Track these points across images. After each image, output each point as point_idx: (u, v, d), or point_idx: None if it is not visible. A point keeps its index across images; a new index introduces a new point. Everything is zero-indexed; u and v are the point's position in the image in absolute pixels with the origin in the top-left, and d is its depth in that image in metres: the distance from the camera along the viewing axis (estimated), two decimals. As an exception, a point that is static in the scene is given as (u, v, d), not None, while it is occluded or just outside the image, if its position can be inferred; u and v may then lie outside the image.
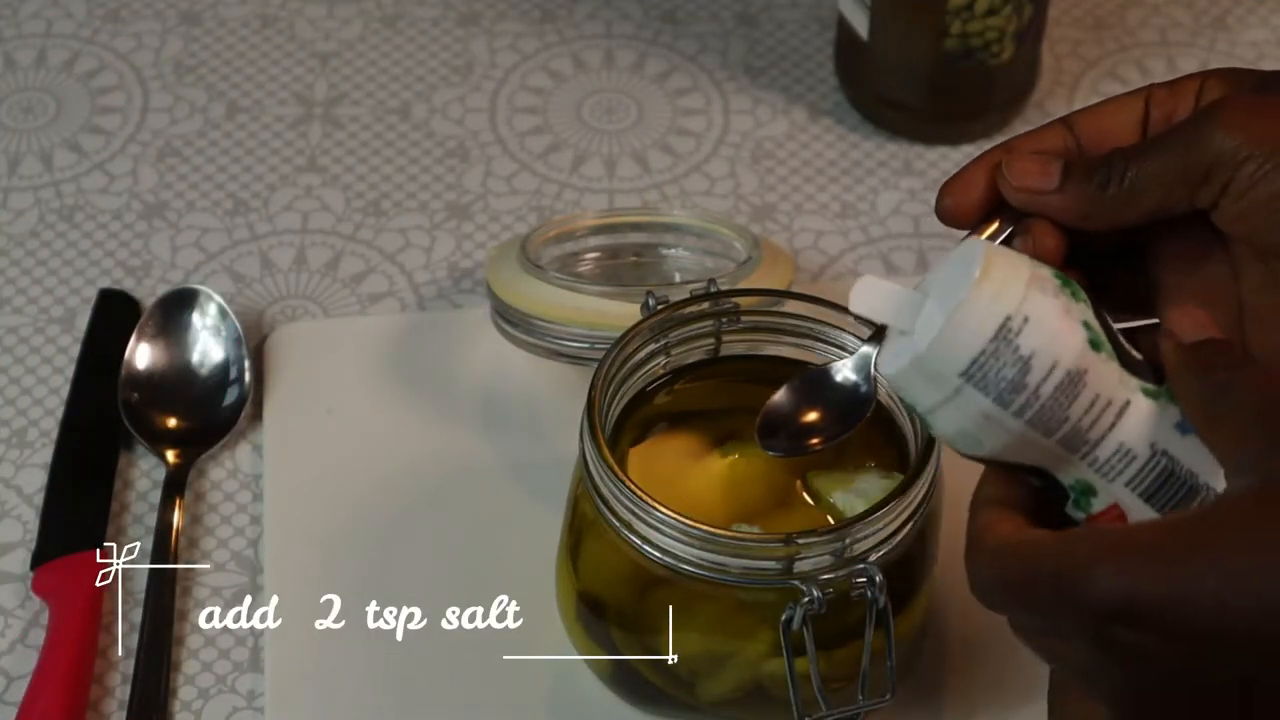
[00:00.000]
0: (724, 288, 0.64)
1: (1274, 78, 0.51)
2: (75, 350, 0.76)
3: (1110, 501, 0.50)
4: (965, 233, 0.54)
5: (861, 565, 0.56)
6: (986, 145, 0.85)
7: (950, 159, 0.84)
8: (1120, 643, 0.44)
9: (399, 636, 0.66)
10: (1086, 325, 0.49)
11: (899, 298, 0.52)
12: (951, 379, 0.49)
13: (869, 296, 0.52)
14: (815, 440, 0.57)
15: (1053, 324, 0.49)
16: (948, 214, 0.54)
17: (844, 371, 0.56)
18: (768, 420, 0.57)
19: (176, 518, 0.69)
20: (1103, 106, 0.53)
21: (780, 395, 0.57)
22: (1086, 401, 0.49)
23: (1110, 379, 0.49)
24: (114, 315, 0.77)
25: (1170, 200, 0.51)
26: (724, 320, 0.63)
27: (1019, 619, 0.49)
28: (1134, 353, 0.51)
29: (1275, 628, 0.42)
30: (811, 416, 0.57)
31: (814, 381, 0.57)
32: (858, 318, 0.59)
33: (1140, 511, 0.50)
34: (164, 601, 0.67)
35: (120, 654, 0.66)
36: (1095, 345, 0.49)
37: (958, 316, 0.49)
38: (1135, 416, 0.49)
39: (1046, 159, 0.52)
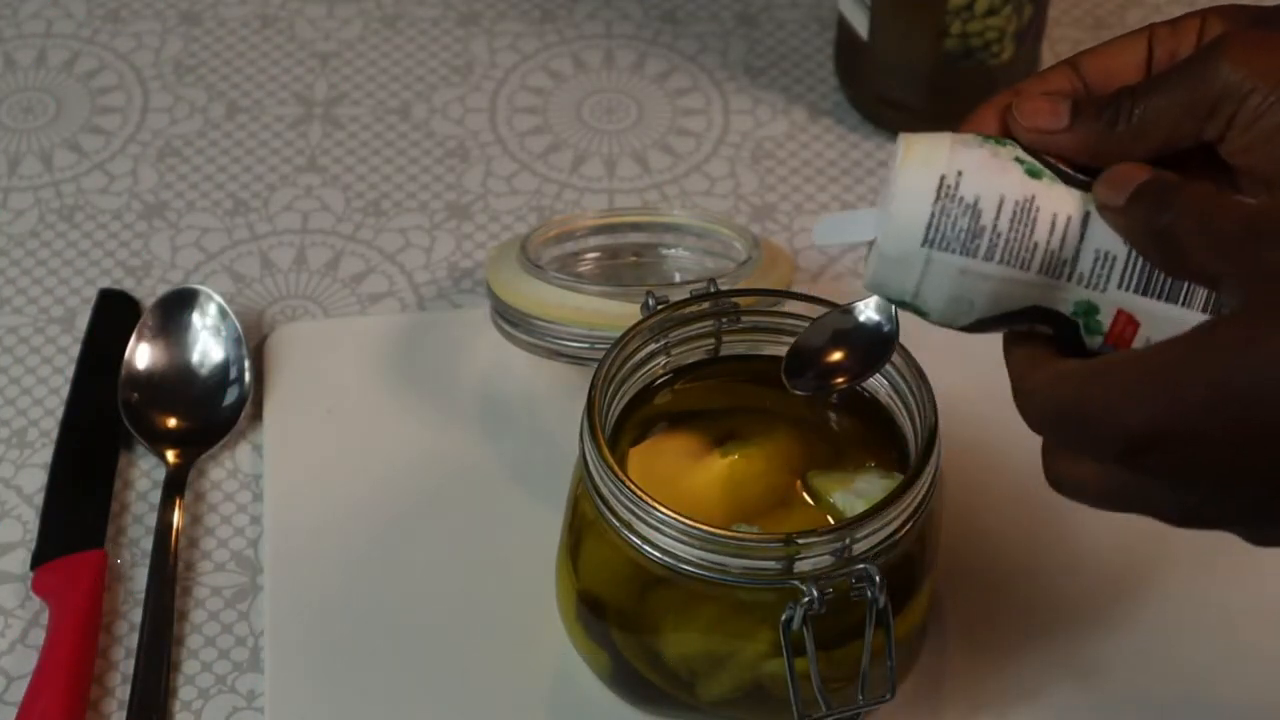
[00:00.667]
0: (724, 288, 0.64)
1: (1271, 13, 0.53)
2: (75, 350, 0.76)
3: (1114, 311, 0.51)
4: None
5: (861, 565, 0.56)
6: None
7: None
8: (1155, 468, 0.47)
9: (399, 636, 0.66)
10: (1019, 160, 0.51)
11: (855, 217, 0.54)
12: (917, 253, 0.51)
13: (828, 229, 0.55)
14: (840, 379, 0.57)
15: (985, 167, 0.51)
16: None
17: (867, 311, 0.56)
18: (793, 360, 0.57)
19: (176, 518, 0.69)
20: (1107, 47, 0.54)
21: (805, 335, 0.57)
22: (1047, 223, 0.50)
23: (1061, 197, 0.51)
24: (114, 315, 0.77)
25: (1177, 134, 0.52)
26: (724, 320, 0.63)
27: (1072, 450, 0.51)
28: (1078, 175, 0.52)
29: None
30: (837, 356, 0.57)
31: (838, 321, 0.57)
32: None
33: (1145, 309, 0.51)
34: (164, 601, 0.67)
35: (120, 654, 0.66)
36: (1034, 174, 0.51)
37: (898, 194, 0.51)
38: (1099, 222, 0.51)
39: (1055, 99, 0.53)
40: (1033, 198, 0.51)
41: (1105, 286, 0.51)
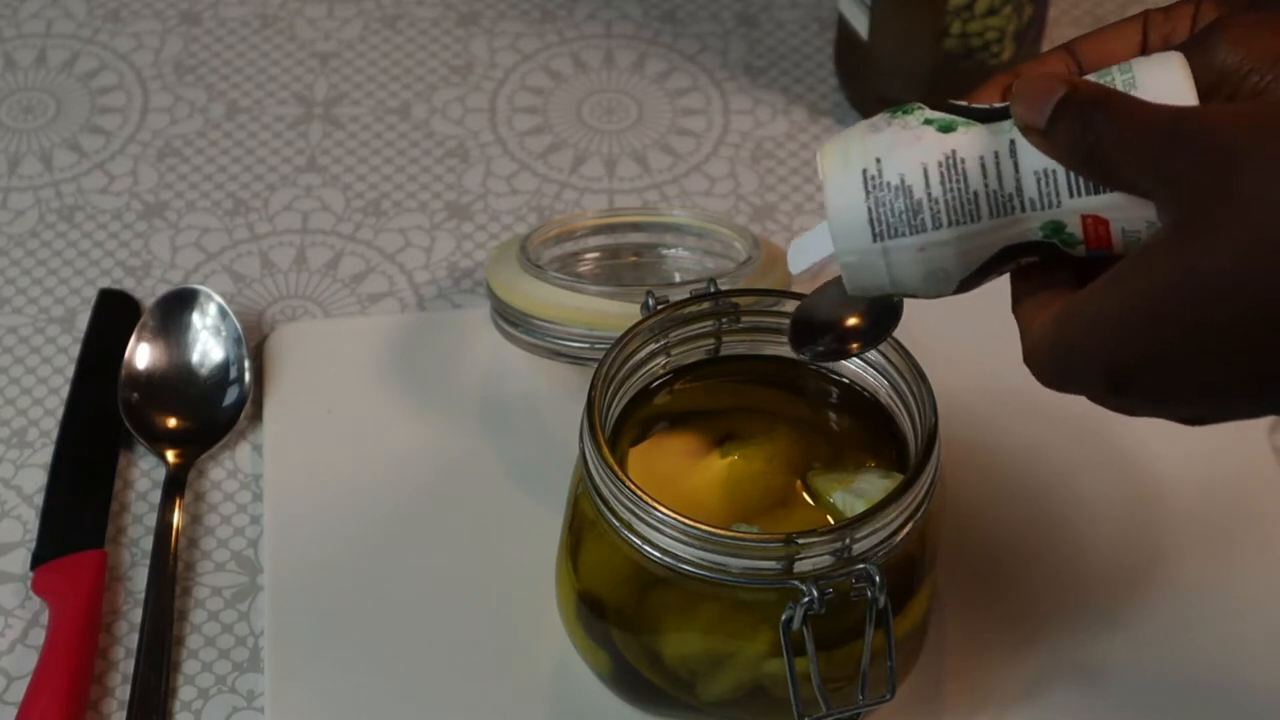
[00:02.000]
0: (724, 288, 0.64)
1: None
2: (75, 350, 0.76)
3: (1078, 219, 0.51)
4: None
5: (861, 565, 0.56)
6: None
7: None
8: (1141, 397, 0.49)
9: (399, 636, 0.66)
10: (928, 121, 0.51)
11: (813, 236, 0.55)
12: (872, 250, 0.51)
13: (797, 255, 0.56)
14: (855, 345, 0.57)
15: (899, 143, 0.51)
16: None
17: None
18: (799, 327, 0.58)
19: (176, 518, 0.69)
20: (1103, 32, 0.54)
21: (811, 302, 0.58)
22: (977, 169, 0.50)
23: (982, 137, 0.51)
24: (114, 315, 0.77)
25: None
26: (724, 320, 0.63)
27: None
28: (993, 107, 0.52)
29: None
30: (849, 323, 0.57)
31: (843, 290, 0.57)
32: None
33: (1105, 206, 0.50)
34: (164, 601, 0.67)
35: (120, 654, 0.66)
36: (947, 128, 0.51)
37: (830, 204, 0.52)
38: (1027, 145, 0.50)
39: (1053, 79, 0.52)
40: (953, 152, 0.51)
41: (1059, 201, 0.50)
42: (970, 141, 0.51)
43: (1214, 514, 0.70)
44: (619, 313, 0.67)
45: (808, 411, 0.64)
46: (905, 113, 0.52)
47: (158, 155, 0.84)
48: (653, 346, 0.62)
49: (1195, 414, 0.49)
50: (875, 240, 0.51)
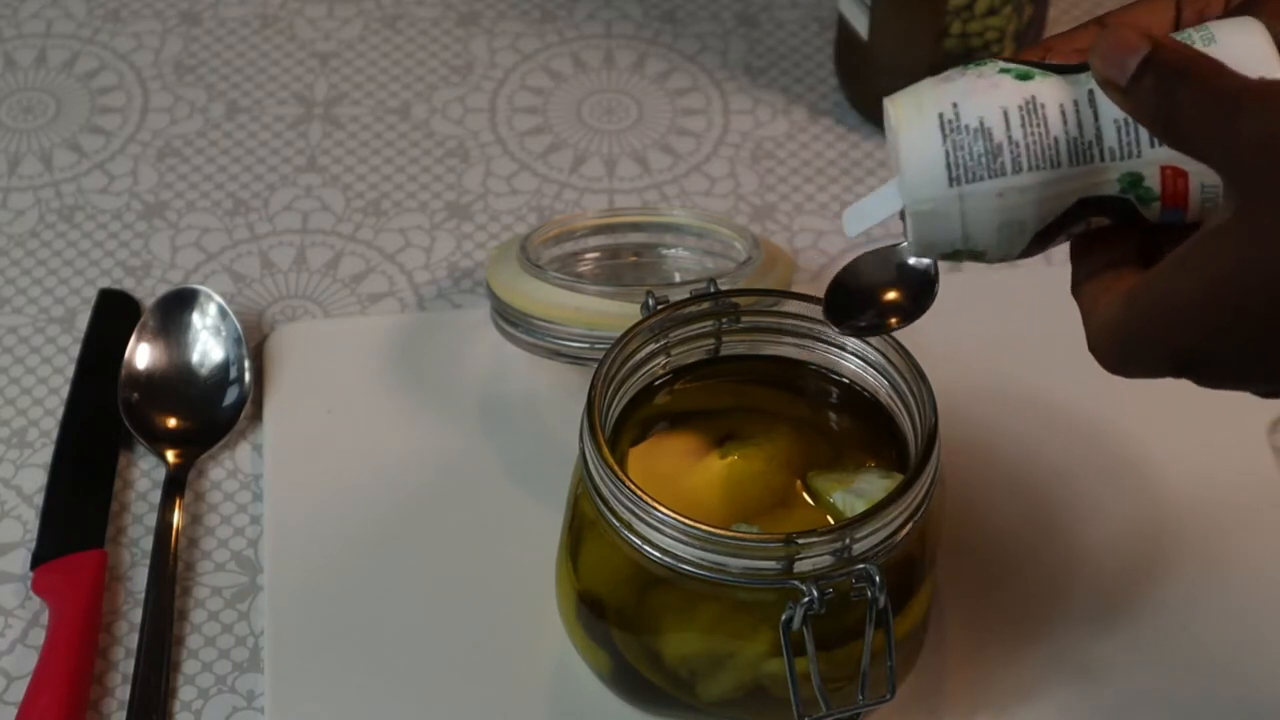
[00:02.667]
0: (724, 288, 0.64)
1: None
2: (75, 350, 0.76)
3: (1157, 171, 0.50)
4: None
5: (861, 565, 0.56)
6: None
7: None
8: (1209, 377, 0.49)
9: (399, 636, 0.66)
10: (1005, 70, 0.51)
11: (877, 196, 0.54)
12: (948, 197, 0.51)
13: (856, 217, 0.55)
14: (894, 320, 0.57)
15: (976, 90, 0.51)
16: None
17: (906, 252, 0.56)
18: (835, 300, 0.57)
19: (176, 518, 0.69)
20: (1134, 7, 0.53)
21: (846, 275, 0.57)
22: (1057, 114, 0.50)
23: (1060, 86, 0.50)
24: (114, 315, 0.77)
25: None
26: (724, 320, 0.63)
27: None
28: (1069, 63, 0.51)
29: None
30: (889, 297, 0.57)
31: (876, 263, 0.56)
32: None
33: (1189, 159, 0.50)
34: (164, 601, 0.67)
35: (120, 654, 0.66)
36: (1025, 76, 0.51)
37: (906, 150, 0.51)
38: (1105, 96, 0.50)
39: (1139, 33, 0.52)
40: (1033, 97, 0.50)
41: (1139, 151, 0.50)
42: (1049, 89, 0.50)
43: (1214, 514, 0.70)
44: (619, 313, 0.67)
45: (808, 411, 0.64)
46: (978, 65, 0.51)
47: (158, 155, 0.84)
48: (653, 346, 0.62)
49: (1273, 389, 0.49)
50: (952, 185, 0.50)
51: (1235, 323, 0.46)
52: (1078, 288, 0.52)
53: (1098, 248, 0.52)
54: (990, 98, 0.50)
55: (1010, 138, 0.50)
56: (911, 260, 0.56)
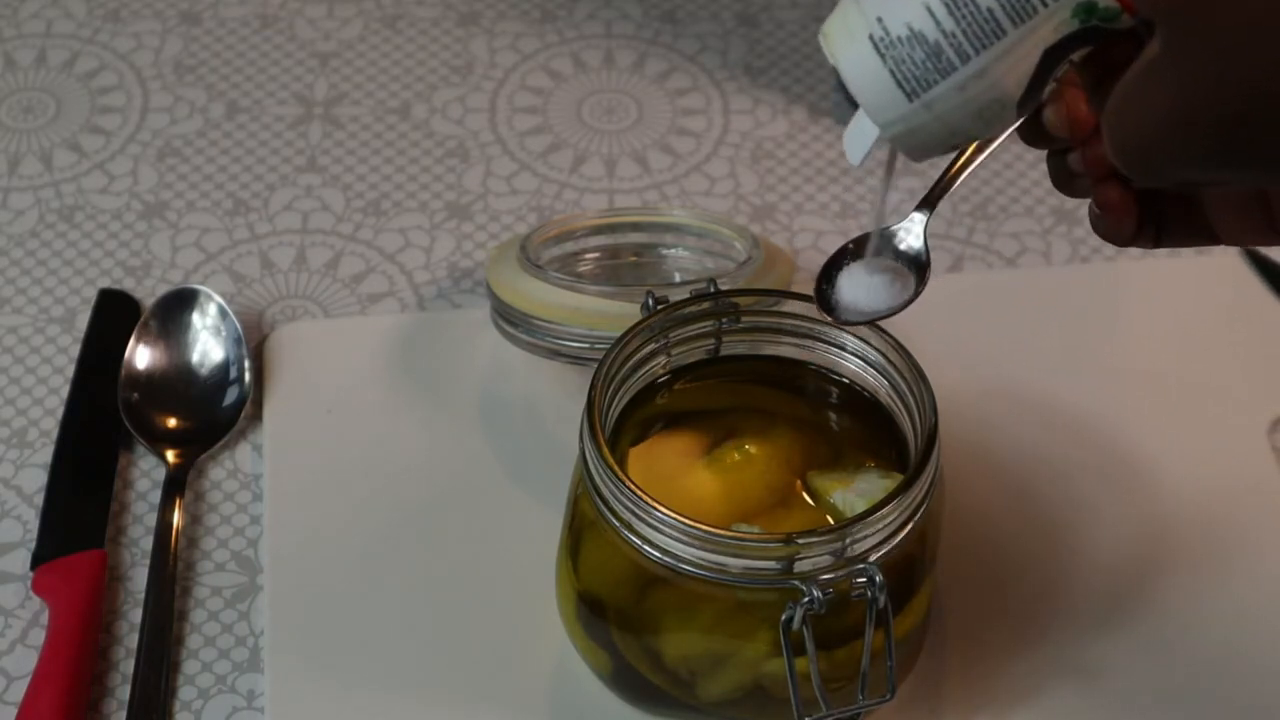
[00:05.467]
0: (724, 288, 0.64)
1: None
2: (75, 350, 0.76)
3: None
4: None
5: (861, 565, 0.56)
6: (986, 145, 0.85)
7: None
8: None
9: (399, 636, 0.66)
10: None
11: (855, 127, 0.53)
12: (914, 111, 0.50)
13: (852, 147, 0.54)
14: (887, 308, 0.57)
15: None
16: None
17: (905, 239, 0.56)
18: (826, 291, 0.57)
19: (176, 518, 0.69)
20: None
21: (837, 260, 0.57)
22: None
23: None
24: (114, 315, 0.77)
25: None
26: (724, 320, 0.63)
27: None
28: None
29: None
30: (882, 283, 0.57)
31: (872, 248, 0.56)
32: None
33: None
34: (164, 601, 0.67)
35: (120, 654, 0.66)
36: None
37: (852, 82, 0.50)
38: None
39: None
40: None
41: None
42: None
43: (1214, 514, 0.70)
44: (619, 313, 0.67)
45: (808, 411, 0.64)
46: None
47: (158, 155, 0.84)
48: (653, 346, 0.62)
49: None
50: (911, 99, 0.49)
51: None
52: (1095, 106, 0.50)
53: (1092, 63, 0.49)
54: (909, 1, 0.49)
55: (945, 32, 0.48)
56: (901, 247, 0.55)
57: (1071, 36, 0.48)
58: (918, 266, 0.56)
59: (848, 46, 0.50)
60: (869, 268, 0.58)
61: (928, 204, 0.57)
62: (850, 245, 0.59)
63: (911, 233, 0.57)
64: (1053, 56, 0.49)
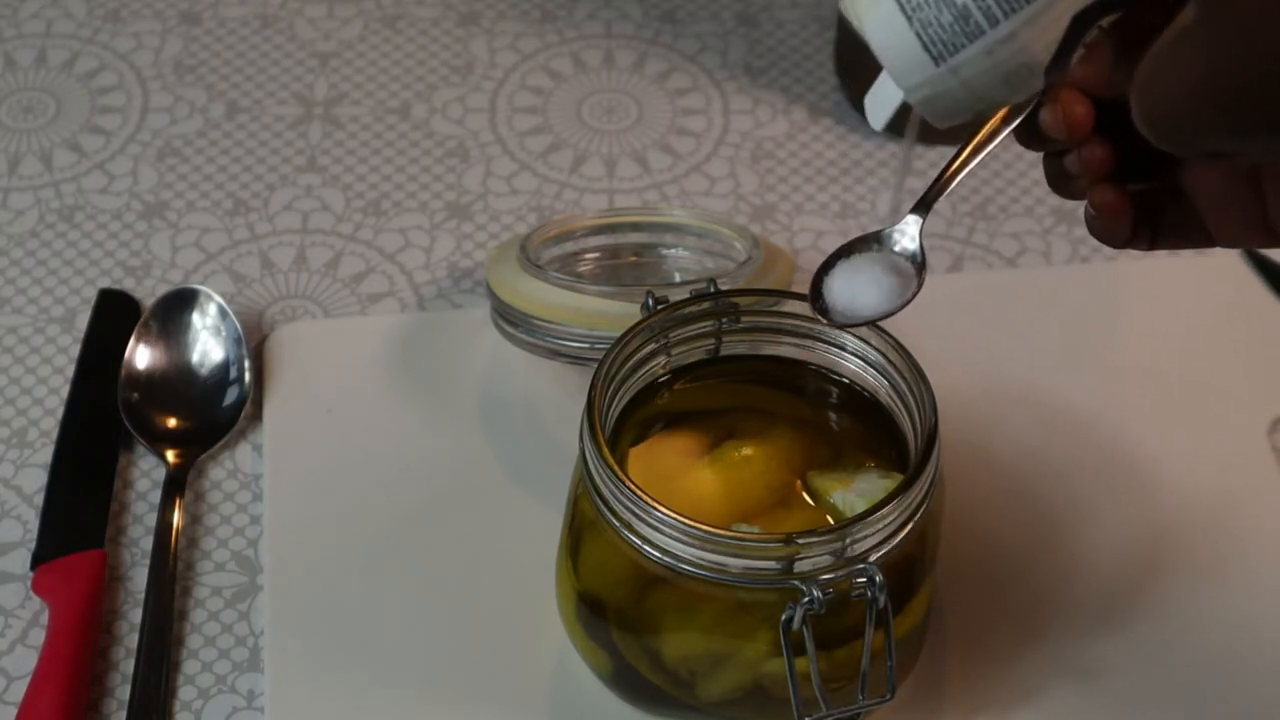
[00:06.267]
0: (724, 288, 0.64)
1: None
2: (75, 350, 0.76)
3: None
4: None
5: (861, 565, 0.56)
6: (986, 145, 0.85)
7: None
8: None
9: (399, 636, 0.66)
10: None
11: (879, 89, 0.53)
12: (939, 76, 0.49)
13: (874, 111, 0.53)
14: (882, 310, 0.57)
15: None
16: None
17: (900, 241, 0.56)
18: (820, 291, 0.57)
19: (176, 518, 0.69)
20: None
21: (832, 262, 0.57)
22: None
23: None
24: (114, 315, 0.77)
25: None
26: (724, 320, 0.63)
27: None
28: None
29: None
30: (876, 283, 0.57)
31: (867, 249, 0.56)
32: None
33: None
34: (164, 601, 0.67)
35: (120, 654, 0.66)
36: None
37: (879, 46, 0.49)
38: None
39: None
40: None
41: None
42: None
43: (1214, 514, 0.70)
44: (619, 313, 0.67)
45: (808, 411, 0.64)
46: None
47: (158, 155, 0.84)
48: (653, 346, 0.62)
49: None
50: (938, 63, 0.49)
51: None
52: (1125, 77, 0.49)
53: (1124, 28, 0.48)
54: None
55: None
56: (896, 249, 0.55)
57: (1101, 1, 0.48)
58: (914, 269, 0.56)
59: (873, 8, 0.49)
60: (865, 270, 0.58)
61: (923, 206, 0.57)
62: (846, 247, 0.59)
63: (907, 234, 0.57)
64: (1082, 21, 0.48)
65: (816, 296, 0.58)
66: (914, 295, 0.57)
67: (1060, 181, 0.54)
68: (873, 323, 0.58)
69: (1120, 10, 0.48)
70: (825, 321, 0.59)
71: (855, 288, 0.58)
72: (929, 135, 0.85)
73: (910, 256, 0.55)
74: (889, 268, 0.56)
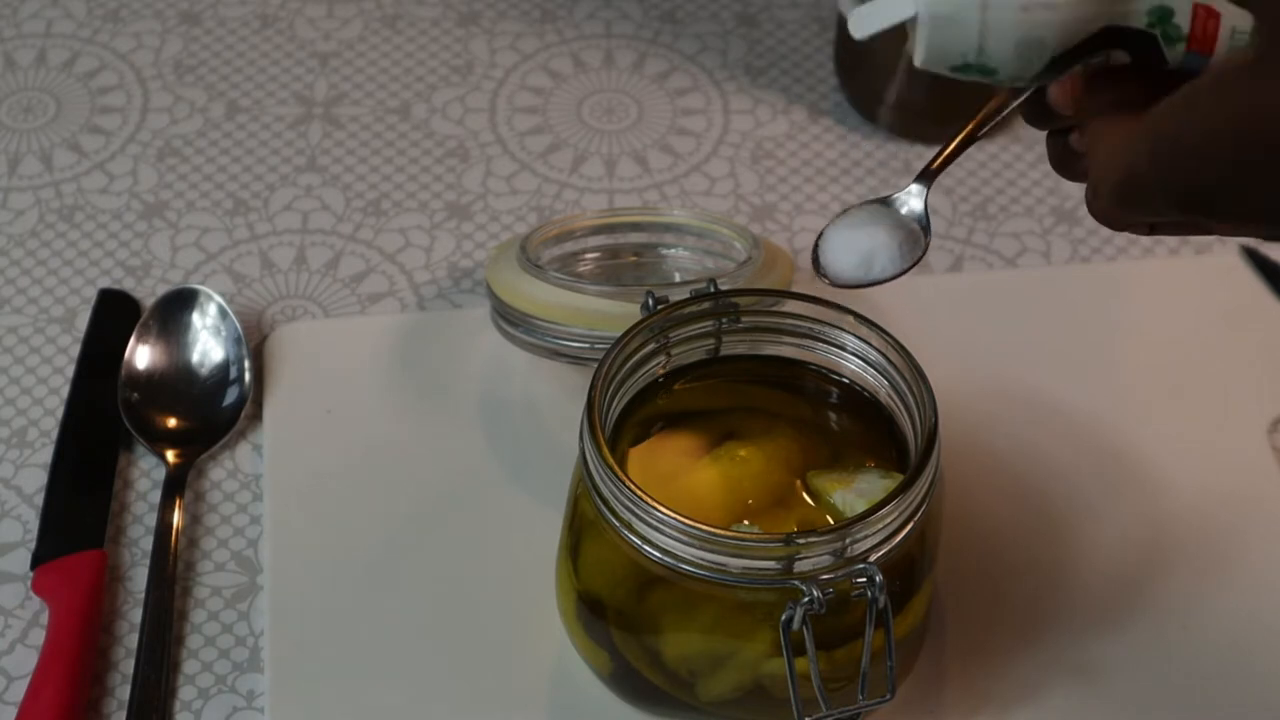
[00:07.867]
0: (724, 288, 0.64)
1: None
2: (75, 350, 0.76)
3: (1188, 10, 0.47)
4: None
5: (861, 565, 0.56)
6: (986, 145, 0.85)
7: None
8: (1215, 216, 0.47)
9: (399, 636, 0.66)
10: None
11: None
12: (970, 4, 0.48)
13: (865, 17, 0.51)
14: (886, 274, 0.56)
15: None
16: None
17: (908, 202, 0.55)
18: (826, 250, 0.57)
19: (176, 518, 0.69)
20: None
21: (836, 226, 0.57)
22: None
23: None
24: (114, 315, 0.77)
25: None
26: (724, 320, 0.63)
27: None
28: None
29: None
30: (880, 249, 0.56)
31: (871, 215, 0.56)
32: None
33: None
34: (164, 601, 0.67)
35: (120, 654, 0.66)
36: None
37: None
38: None
39: None
40: None
41: None
42: None
43: (1214, 514, 0.70)
44: (619, 313, 0.67)
45: (808, 411, 0.64)
46: None
47: (158, 155, 0.84)
48: (653, 346, 0.62)
49: (1276, 233, 0.47)
50: None
51: (1257, 159, 0.44)
52: (1080, 130, 0.50)
53: (1105, 84, 0.49)
54: None
55: None
56: (904, 211, 0.55)
57: (1132, 31, 0.48)
58: (920, 229, 0.55)
59: None
60: (868, 231, 0.57)
61: (926, 177, 0.56)
62: (850, 209, 0.58)
63: (912, 196, 0.56)
64: (1106, 38, 0.48)
65: (818, 258, 0.57)
66: (921, 256, 0.56)
67: (1065, 162, 0.54)
68: (876, 285, 0.57)
69: (1134, 54, 0.48)
70: (828, 282, 0.57)
71: (861, 248, 0.57)
72: (927, 136, 0.85)
73: (916, 217, 0.55)
74: (894, 229, 0.56)
